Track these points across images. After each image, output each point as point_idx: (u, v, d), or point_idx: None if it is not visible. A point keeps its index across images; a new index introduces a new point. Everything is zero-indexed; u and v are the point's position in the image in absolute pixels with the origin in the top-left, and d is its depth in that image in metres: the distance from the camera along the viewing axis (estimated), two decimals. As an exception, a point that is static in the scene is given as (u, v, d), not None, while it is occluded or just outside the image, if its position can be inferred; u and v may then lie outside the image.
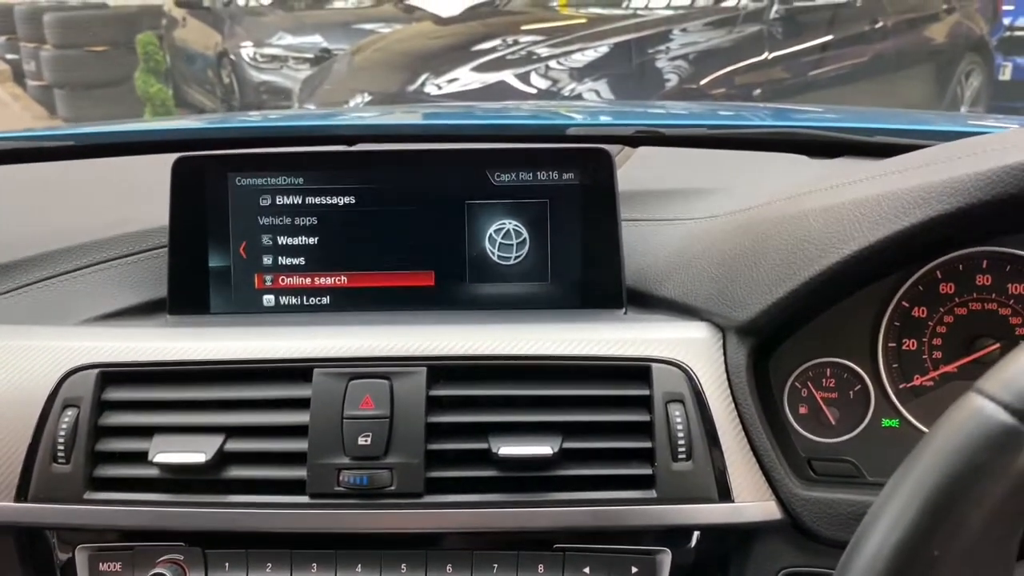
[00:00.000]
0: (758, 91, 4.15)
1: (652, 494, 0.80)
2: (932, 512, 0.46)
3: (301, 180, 0.95)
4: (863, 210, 0.75)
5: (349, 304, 0.94)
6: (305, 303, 0.95)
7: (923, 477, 0.48)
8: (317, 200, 0.94)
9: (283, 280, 0.95)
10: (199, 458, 0.80)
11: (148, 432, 0.82)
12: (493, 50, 4.07)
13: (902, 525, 0.47)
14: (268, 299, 0.95)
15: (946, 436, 0.48)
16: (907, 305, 0.85)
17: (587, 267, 0.94)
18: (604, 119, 1.50)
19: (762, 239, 0.83)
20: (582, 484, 0.81)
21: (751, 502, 0.81)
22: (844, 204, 0.77)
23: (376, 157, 0.97)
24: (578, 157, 0.94)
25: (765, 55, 4.18)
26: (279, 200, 0.95)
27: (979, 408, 0.47)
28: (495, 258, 0.94)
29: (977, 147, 0.73)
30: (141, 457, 0.81)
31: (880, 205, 0.74)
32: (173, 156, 0.95)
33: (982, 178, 0.67)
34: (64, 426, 0.82)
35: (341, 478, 0.80)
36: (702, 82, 4.03)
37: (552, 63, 3.95)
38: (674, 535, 0.83)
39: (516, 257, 0.94)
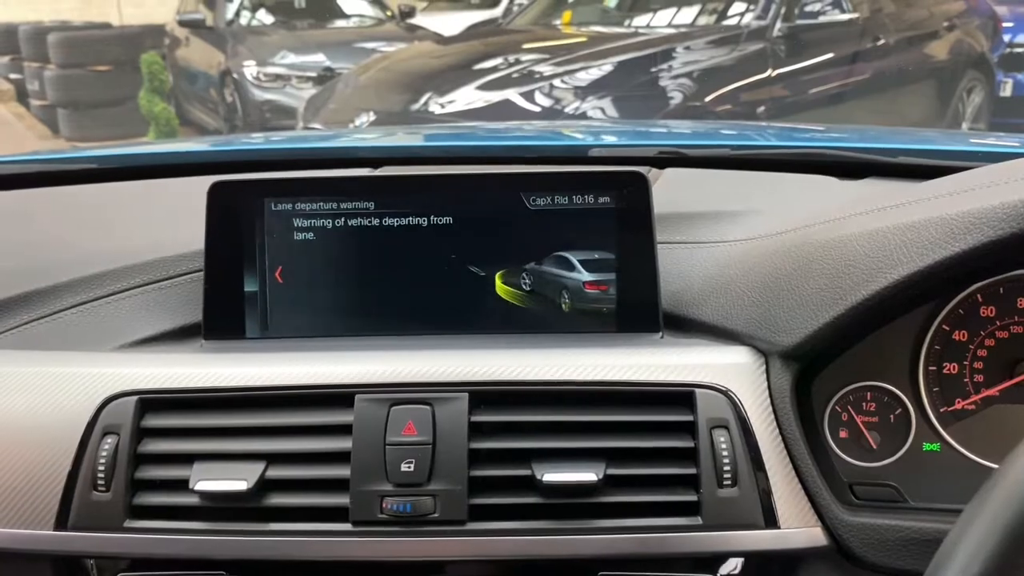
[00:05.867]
0: (762, 108, 4.17)
1: (698, 521, 0.79)
2: (1012, 544, 0.46)
3: (335, 205, 0.94)
4: (910, 235, 0.75)
5: (386, 328, 0.94)
6: (341, 327, 0.94)
7: (1001, 510, 0.47)
8: (352, 224, 0.94)
9: (318, 304, 0.94)
10: (240, 486, 0.79)
11: (188, 459, 0.82)
12: (496, 69, 4.08)
13: (981, 558, 0.47)
14: (303, 323, 0.94)
15: (1022, 470, 0.48)
16: (948, 328, 0.85)
17: (623, 290, 0.93)
18: (626, 139, 1.51)
19: (805, 263, 0.83)
20: (627, 511, 0.80)
21: (797, 528, 0.80)
22: (889, 229, 0.77)
23: (410, 182, 0.97)
24: (614, 180, 0.94)
25: (768, 72, 4.20)
26: (314, 224, 0.94)
27: (1057, 439, 0.47)
28: (531, 281, 0.94)
29: (1025, 171, 0.73)
30: (182, 485, 0.80)
31: (928, 230, 0.74)
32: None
33: (1036, 204, 0.67)
34: (104, 454, 0.81)
35: (384, 505, 0.79)
36: (706, 99, 4.05)
37: (556, 82, 3.96)
38: (718, 562, 0.83)
39: (552, 280, 0.94)
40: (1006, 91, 5.26)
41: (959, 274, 0.75)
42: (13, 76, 7.36)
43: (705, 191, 1.18)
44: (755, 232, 0.94)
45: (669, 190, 1.14)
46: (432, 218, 0.94)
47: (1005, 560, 0.47)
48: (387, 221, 0.94)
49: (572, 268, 0.94)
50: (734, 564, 0.83)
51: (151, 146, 1.47)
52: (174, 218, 1.08)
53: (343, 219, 0.94)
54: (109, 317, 0.95)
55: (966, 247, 0.71)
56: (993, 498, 0.49)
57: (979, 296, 0.85)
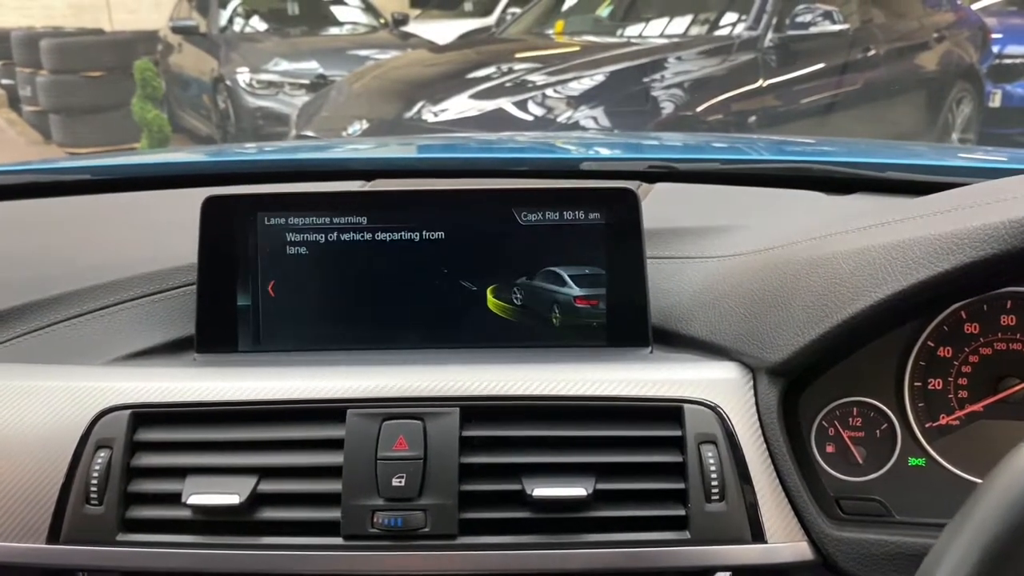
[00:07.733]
0: (753, 118, 4.19)
1: (686, 535, 0.80)
2: (993, 562, 0.47)
3: (328, 219, 0.95)
4: (895, 254, 0.76)
5: (378, 342, 0.95)
6: (333, 341, 0.95)
7: (982, 527, 0.48)
8: (345, 238, 0.95)
9: (311, 319, 0.95)
10: (233, 500, 0.80)
11: (181, 473, 0.82)
12: (489, 78, 4.10)
13: (962, 574, 0.48)
14: (295, 338, 0.95)
15: (1005, 486, 0.49)
16: (932, 345, 0.87)
17: (613, 305, 0.94)
18: (618, 153, 1.52)
19: (792, 280, 0.84)
20: (616, 525, 0.81)
21: (784, 543, 0.81)
22: (875, 247, 0.78)
23: (402, 197, 0.98)
24: (604, 197, 0.95)
25: (760, 83, 4.22)
26: (307, 239, 0.95)
27: (1035, 460, 0.48)
28: (522, 295, 0.95)
29: (1009, 191, 0.74)
30: (174, 499, 0.81)
31: (912, 250, 0.75)
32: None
33: (1016, 225, 0.68)
34: (97, 467, 0.82)
35: (375, 519, 0.80)
36: (698, 109, 4.07)
37: (549, 91, 3.97)
38: (706, 576, 0.84)
39: (543, 295, 0.95)
40: (995, 102, 5.30)
41: (944, 292, 0.76)
42: (5, 81, 7.35)
43: (695, 205, 1.19)
44: (744, 248, 0.95)
45: (659, 204, 1.15)
46: (424, 233, 0.95)
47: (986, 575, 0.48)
48: (379, 236, 0.95)
49: (563, 283, 0.95)
50: (722, 578, 0.84)
51: (144, 156, 1.47)
52: (166, 230, 1.09)
53: (336, 233, 0.95)
54: (102, 330, 0.96)
55: (949, 267, 0.72)
56: (975, 514, 0.50)
57: (963, 313, 0.86)
